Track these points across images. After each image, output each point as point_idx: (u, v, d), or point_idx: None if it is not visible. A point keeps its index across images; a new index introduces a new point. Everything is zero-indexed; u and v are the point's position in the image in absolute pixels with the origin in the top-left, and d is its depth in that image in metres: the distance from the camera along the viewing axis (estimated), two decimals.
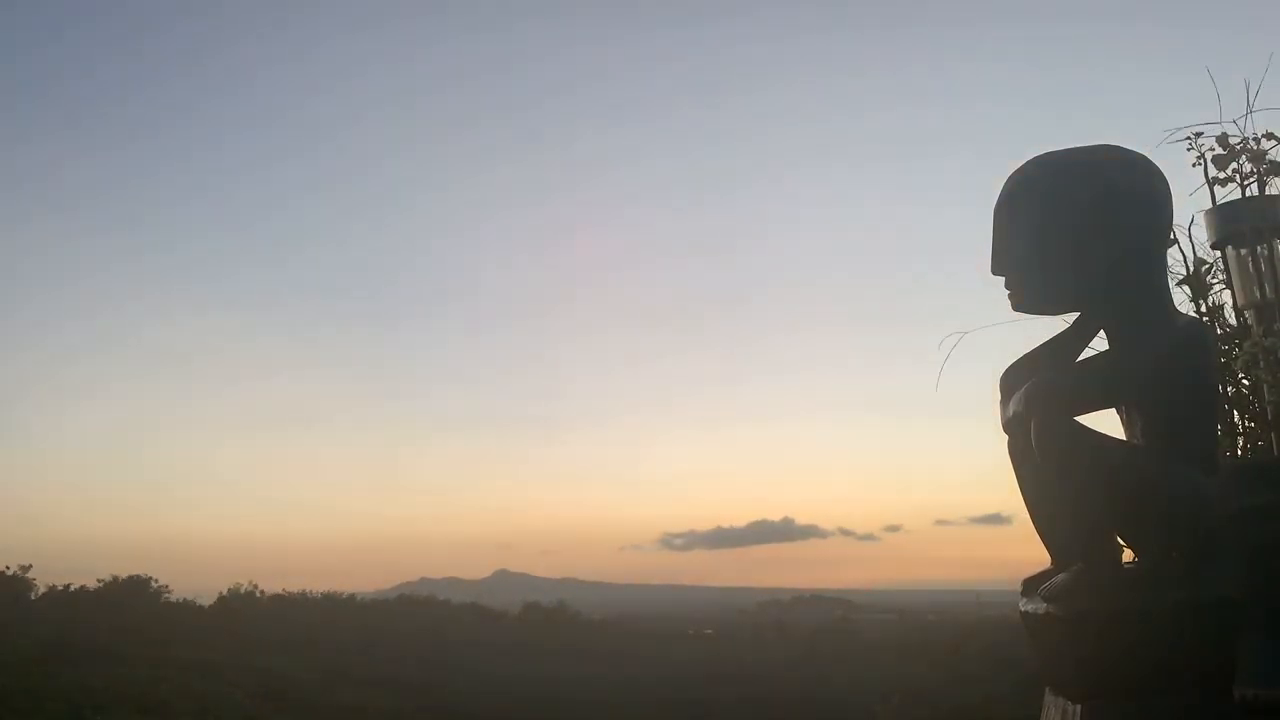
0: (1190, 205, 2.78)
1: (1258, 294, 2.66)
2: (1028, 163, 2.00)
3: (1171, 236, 2.50)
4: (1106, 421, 1.94)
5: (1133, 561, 1.92)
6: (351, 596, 39.31)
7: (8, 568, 29.79)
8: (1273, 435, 2.58)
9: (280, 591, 36.97)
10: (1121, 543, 1.92)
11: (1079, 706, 1.84)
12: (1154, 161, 1.98)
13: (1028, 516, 2.00)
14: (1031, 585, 1.98)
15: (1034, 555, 2.01)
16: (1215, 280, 2.84)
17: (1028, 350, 2.07)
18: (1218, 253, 2.79)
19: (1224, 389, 2.61)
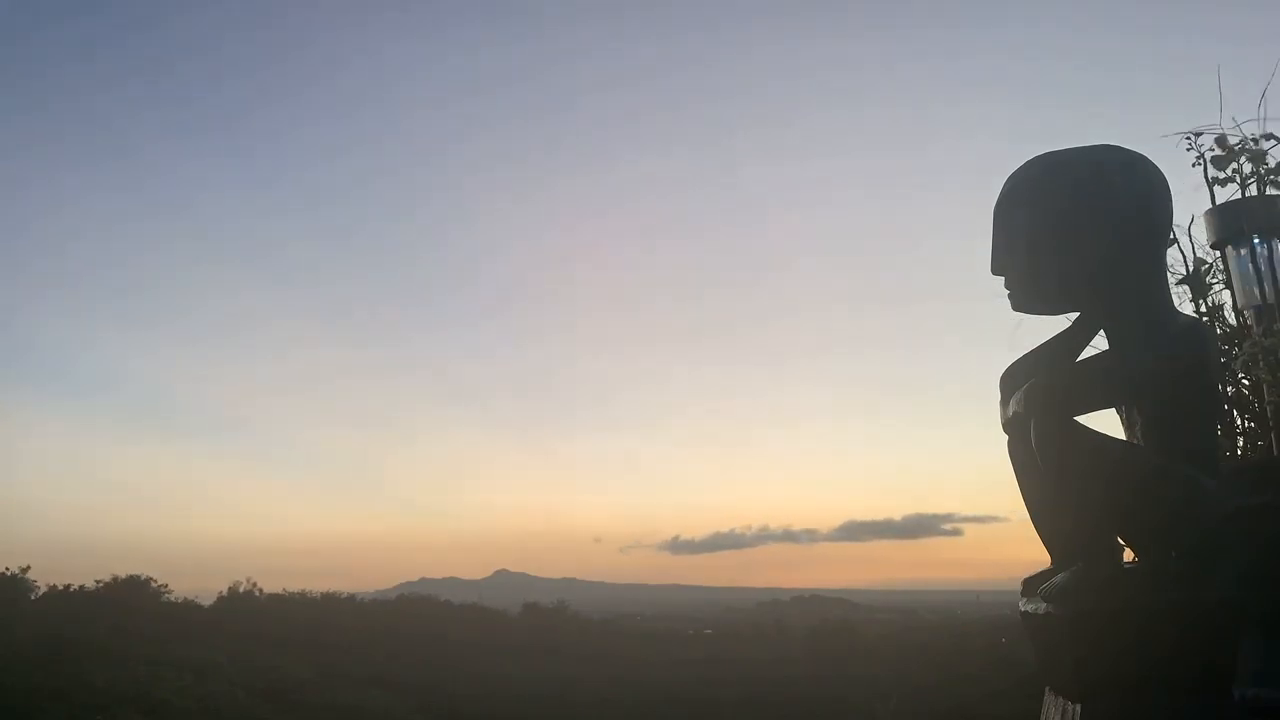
0: (1190, 205, 2.79)
1: (1258, 294, 2.66)
2: (1027, 162, 2.00)
3: (1171, 236, 2.51)
4: (1106, 421, 1.95)
5: (1133, 561, 1.93)
6: (351, 596, 39.35)
7: (7, 568, 29.82)
8: (1273, 435, 2.57)
9: (280, 591, 37.00)
10: (1121, 543, 1.92)
11: (1078, 706, 1.84)
12: (1154, 161, 1.99)
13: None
14: (1031, 585, 1.98)
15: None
16: (1215, 280, 2.84)
17: (1027, 350, 2.07)
18: (1218, 253, 2.79)
19: (1224, 389, 2.61)
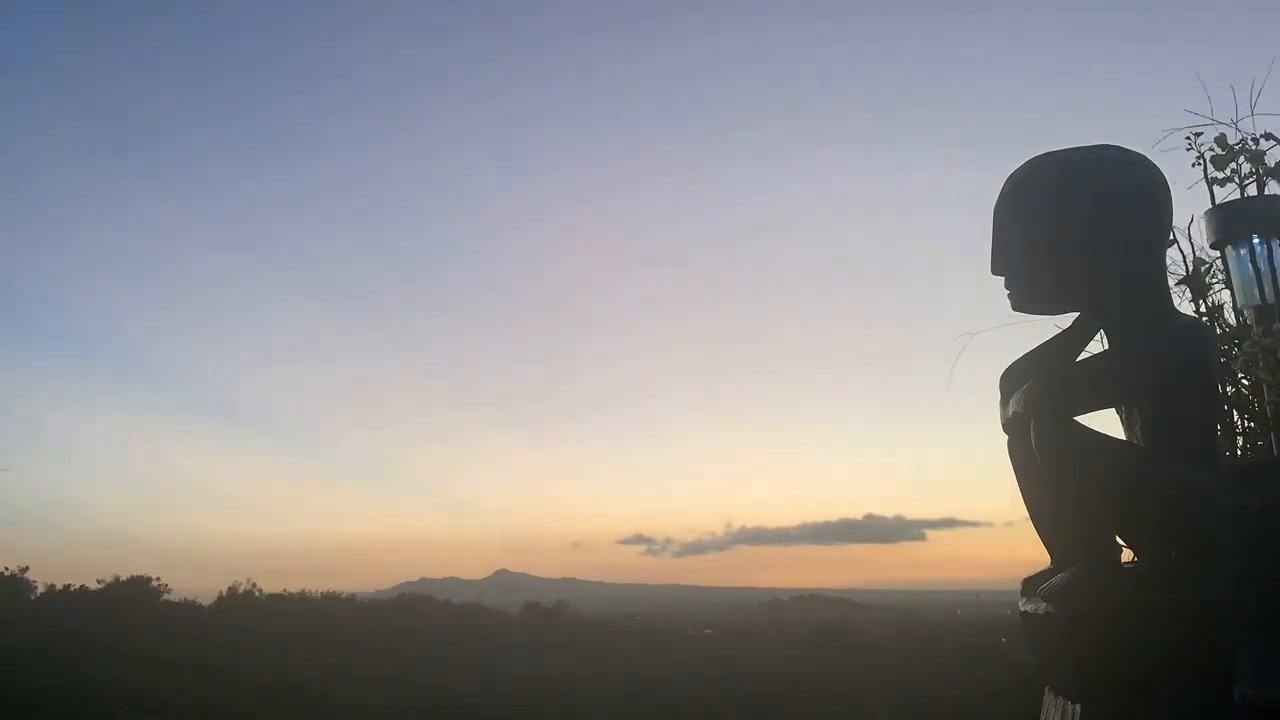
0: (1190, 205, 2.79)
1: (1258, 294, 2.66)
2: (1027, 162, 2.00)
3: (1171, 236, 2.50)
4: (1106, 421, 1.95)
5: (1132, 561, 1.93)
6: (351, 596, 39.33)
7: (7, 568, 29.85)
8: (1273, 435, 2.58)
9: (280, 591, 36.97)
10: (1121, 543, 1.92)
11: (1078, 706, 1.84)
12: (1154, 161, 1.99)
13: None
14: (1031, 585, 1.98)
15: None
16: (1215, 280, 2.84)
17: (1028, 350, 2.07)
18: (1217, 253, 2.79)
19: (1224, 389, 2.61)
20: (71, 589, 31.62)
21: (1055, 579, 1.88)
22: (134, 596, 31.22)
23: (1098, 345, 2.07)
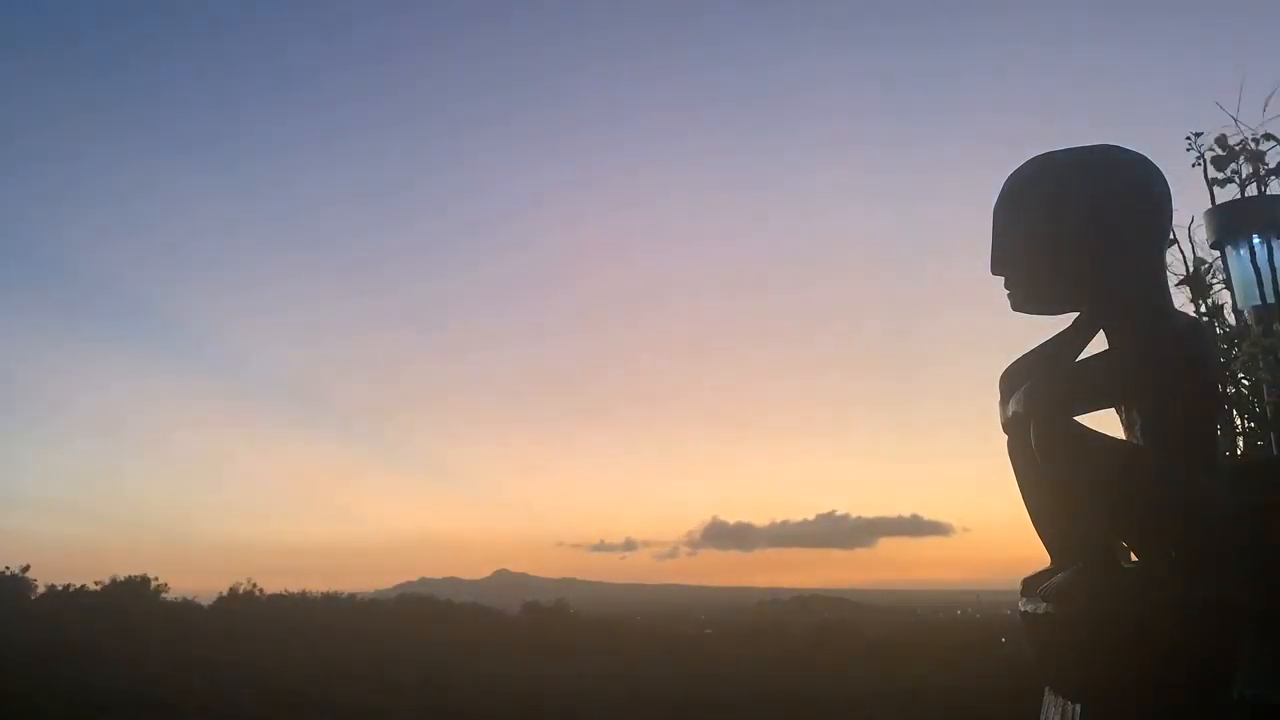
0: (1190, 205, 2.79)
1: (1257, 294, 2.66)
2: (1027, 162, 2.00)
3: (1171, 236, 2.51)
4: (1106, 421, 1.95)
5: (1133, 561, 1.93)
6: (351, 596, 39.40)
7: (8, 568, 29.89)
8: (1272, 435, 2.58)
9: (280, 591, 37.03)
10: (1121, 543, 1.92)
11: (1078, 706, 1.84)
12: (1153, 161, 1.99)
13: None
14: (1031, 585, 1.99)
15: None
16: (1215, 280, 2.84)
17: (1028, 350, 2.07)
18: (1217, 253, 2.79)
19: (1224, 389, 2.61)
20: (71, 589, 31.66)
21: (1055, 579, 1.88)
22: (134, 596, 31.26)
23: (1098, 345, 2.07)
